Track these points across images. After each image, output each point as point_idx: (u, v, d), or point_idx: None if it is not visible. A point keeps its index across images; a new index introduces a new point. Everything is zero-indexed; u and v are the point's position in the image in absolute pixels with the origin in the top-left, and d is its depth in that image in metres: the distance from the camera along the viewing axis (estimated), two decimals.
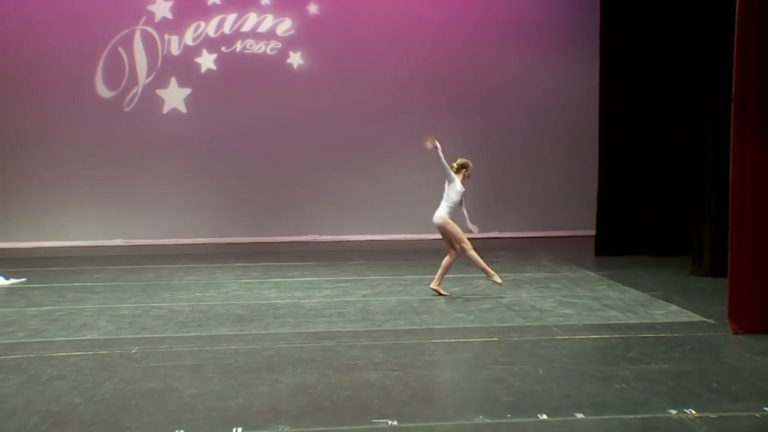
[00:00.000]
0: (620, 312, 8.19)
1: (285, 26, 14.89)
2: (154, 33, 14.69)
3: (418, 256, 12.43)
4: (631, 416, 4.99)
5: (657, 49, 12.27)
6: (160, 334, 7.48)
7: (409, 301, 8.92)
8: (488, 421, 4.95)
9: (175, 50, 14.74)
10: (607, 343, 7.06)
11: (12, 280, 10.49)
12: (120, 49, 14.68)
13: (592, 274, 10.64)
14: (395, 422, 4.93)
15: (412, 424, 4.92)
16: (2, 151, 14.34)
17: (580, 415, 5.01)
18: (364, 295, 9.30)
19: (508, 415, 5.04)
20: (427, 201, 15.74)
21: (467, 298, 9.06)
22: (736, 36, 7.04)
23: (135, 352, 6.78)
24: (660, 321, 7.75)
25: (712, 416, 4.96)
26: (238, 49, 14.85)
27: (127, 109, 14.74)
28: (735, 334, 7.03)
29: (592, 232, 13.00)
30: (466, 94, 15.16)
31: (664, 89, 12.30)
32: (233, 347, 6.94)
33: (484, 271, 9.00)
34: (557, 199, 15.11)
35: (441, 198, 9.00)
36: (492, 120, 15.15)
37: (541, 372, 6.03)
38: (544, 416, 4.99)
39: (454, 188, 8.92)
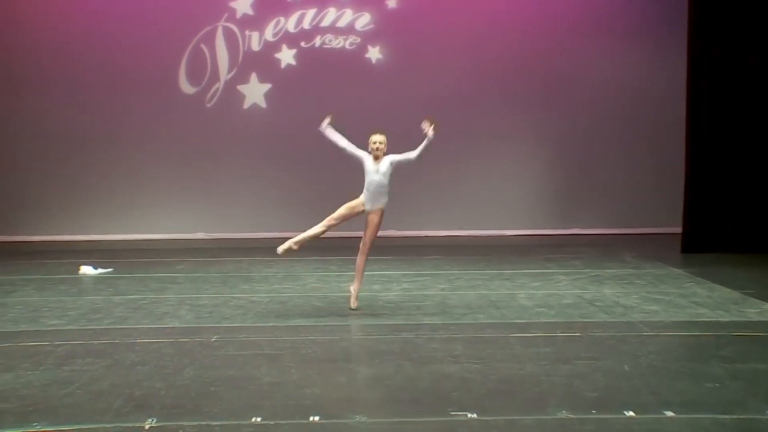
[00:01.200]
0: (710, 310, 7.87)
1: (364, 21, 14.85)
2: (236, 29, 14.82)
3: (498, 251, 12.25)
4: (726, 416, 4.74)
5: (748, 42, 11.80)
6: (239, 324, 7.50)
7: (489, 295, 8.76)
8: (572, 416, 4.77)
9: (255, 46, 14.84)
10: (696, 340, 6.79)
11: (100, 270, 10.69)
12: (202, 46, 14.84)
13: (678, 271, 10.28)
14: (474, 415, 4.79)
15: (492, 418, 4.78)
16: (91, 147, 14.64)
17: (669, 413, 4.79)
18: (443, 289, 9.18)
19: (593, 411, 4.85)
20: (506, 196, 15.86)
21: (548, 293, 8.84)
22: None
23: (214, 341, 6.80)
24: (754, 320, 7.42)
25: None
26: (317, 44, 14.87)
27: (209, 105, 14.90)
28: None
29: (677, 230, 12.58)
30: (547, 88, 14.86)
31: (757, 83, 11.83)
32: (311, 338, 6.90)
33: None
34: (640, 195, 14.69)
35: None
36: (573, 114, 14.81)
37: (626, 368, 5.82)
38: (631, 413, 4.79)
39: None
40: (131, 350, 6.51)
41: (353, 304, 7.94)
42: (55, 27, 14.57)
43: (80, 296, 8.97)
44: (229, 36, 14.84)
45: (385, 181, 7.75)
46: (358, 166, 14.70)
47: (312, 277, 10.17)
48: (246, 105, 14.91)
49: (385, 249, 12.74)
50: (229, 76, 14.90)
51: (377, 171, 7.77)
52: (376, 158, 7.82)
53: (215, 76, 14.89)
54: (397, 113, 14.72)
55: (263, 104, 14.91)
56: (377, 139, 7.84)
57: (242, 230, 14.76)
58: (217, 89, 14.89)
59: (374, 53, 14.91)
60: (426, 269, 10.71)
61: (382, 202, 7.82)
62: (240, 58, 14.86)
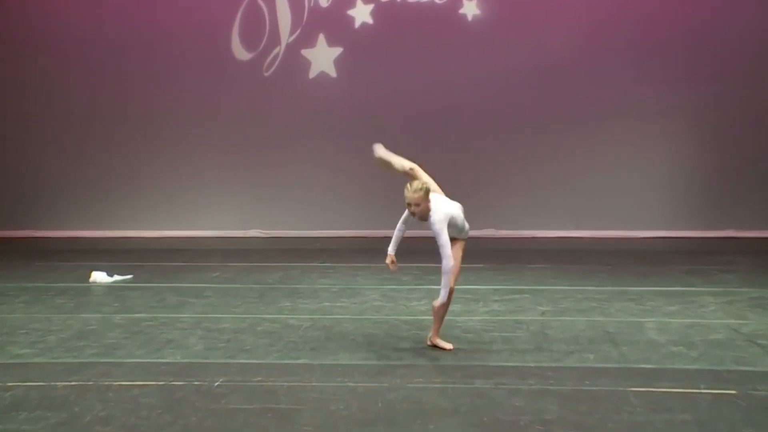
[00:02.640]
0: None
1: None
2: None
3: (622, 260, 10.79)
4: None
5: None
6: (258, 360, 6.32)
7: (605, 324, 7.32)
8: None
9: (323, 1, 13.69)
10: None
11: (116, 278, 9.76)
12: (260, 2, 13.79)
13: None
14: None
15: None
16: (126, 127, 13.81)
17: None
18: (543, 313, 7.80)
19: None
20: (636, 188, 14.19)
21: (689, 323, 7.33)
22: None
23: (218, 386, 5.64)
24: None
25: None
26: None
27: (266, 74, 13.84)
28: None
29: None
30: (693, 51, 13.26)
31: None
32: (348, 384, 5.65)
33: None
34: None
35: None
36: (728, 84, 13.17)
37: None
38: None
39: None
40: (100, 399, 5.39)
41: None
42: None
43: (74, 313, 7.98)
44: None
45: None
46: (454, 150, 13.53)
47: (375, 291, 8.93)
48: (312, 73, 13.83)
49: (477, 254, 11.40)
50: (292, 38, 13.83)
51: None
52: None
53: (275, 38, 13.86)
54: (498, 83, 13.44)
55: (332, 72, 13.80)
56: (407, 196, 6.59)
57: (305, 227, 13.69)
58: (277, 54, 13.85)
59: (470, 8, 13.62)
60: (525, 283, 9.35)
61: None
62: (305, 17, 13.79)
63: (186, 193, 13.86)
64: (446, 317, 6.66)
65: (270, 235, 13.72)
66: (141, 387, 5.64)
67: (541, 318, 7.59)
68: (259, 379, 5.81)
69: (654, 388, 5.53)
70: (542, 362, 6.15)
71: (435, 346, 6.53)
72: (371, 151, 13.32)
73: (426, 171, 7.00)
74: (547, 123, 13.53)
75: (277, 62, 13.83)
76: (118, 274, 9.78)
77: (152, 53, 13.72)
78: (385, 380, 5.76)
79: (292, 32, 13.80)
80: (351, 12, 13.68)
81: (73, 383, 5.75)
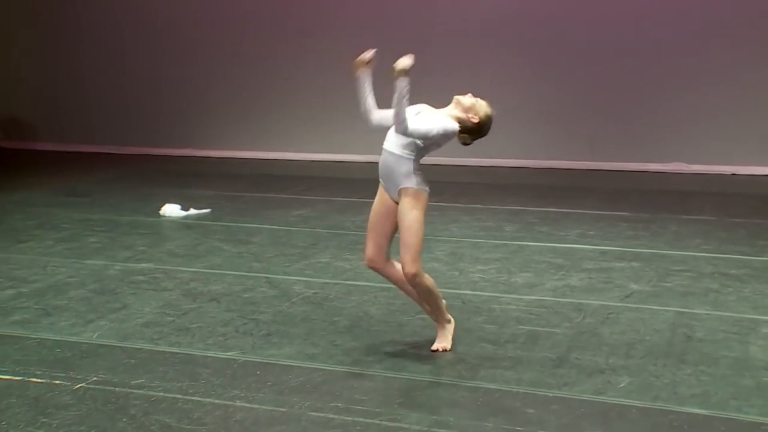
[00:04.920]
0: None
1: None
2: None
3: None
4: None
5: None
6: (198, 347, 5.06)
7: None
8: None
9: None
10: None
11: (192, 211, 8.87)
12: None
13: None
14: None
15: None
16: (272, 34, 12.82)
17: None
18: (628, 296, 5.92)
19: None
20: None
21: None
22: None
23: (77, 389, 4.46)
24: None
25: None
26: None
27: None
28: None
29: None
30: None
31: None
32: (311, 415, 4.26)
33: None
34: None
35: None
36: None
37: None
38: None
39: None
40: None
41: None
42: None
43: (67, 258, 7.06)
44: None
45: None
46: (628, 74, 11.38)
47: (448, 244, 7.34)
48: None
49: (645, 197, 9.50)
50: None
51: None
52: None
53: None
54: None
55: None
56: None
57: (468, 154, 12.03)
58: None
59: None
60: (655, 244, 7.39)
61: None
62: None
63: (329, 112, 12.67)
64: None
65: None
66: None
67: (680, 323, 5.57)
68: (160, 388, 4.56)
69: None
70: (661, 403, 4.34)
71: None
72: (552, 71, 11.53)
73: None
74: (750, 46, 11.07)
75: None
76: (194, 208, 8.87)
77: None
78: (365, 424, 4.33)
79: None
80: None
81: None
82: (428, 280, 4.77)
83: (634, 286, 6.14)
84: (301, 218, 8.57)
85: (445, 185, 10.19)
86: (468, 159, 11.58)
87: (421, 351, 4.88)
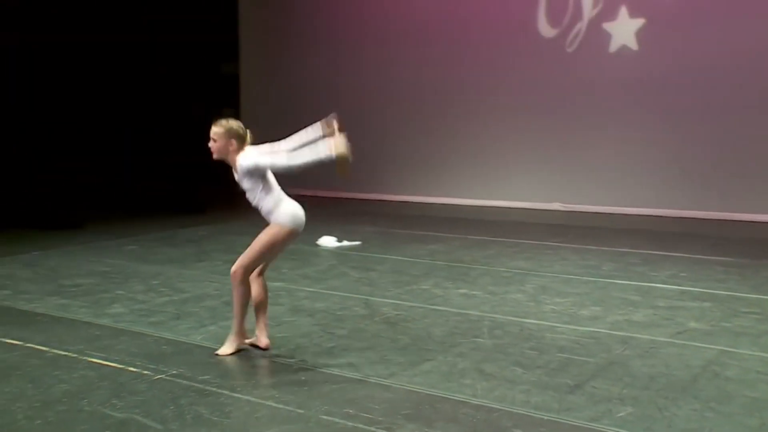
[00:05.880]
0: None
1: None
2: None
3: None
4: None
5: None
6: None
7: None
8: None
9: None
10: None
11: (345, 243, 8.82)
12: None
13: None
14: None
15: None
16: (434, 101, 12.71)
17: None
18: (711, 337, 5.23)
19: None
20: None
21: None
22: None
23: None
24: None
25: None
26: None
27: (569, 50, 11.73)
28: None
29: None
30: None
31: None
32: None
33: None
34: None
35: None
36: None
37: None
38: None
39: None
40: None
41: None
42: None
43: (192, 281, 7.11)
44: None
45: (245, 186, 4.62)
46: (758, 127, 10.27)
47: (585, 285, 6.82)
48: (612, 47, 11.42)
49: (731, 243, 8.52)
50: (594, 12, 11.54)
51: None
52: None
53: (578, 14, 11.68)
54: None
55: (634, 45, 11.26)
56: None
57: (605, 203, 11.41)
58: (580, 30, 11.63)
59: None
60: (740, 287, 6.53)
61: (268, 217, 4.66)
62: None
63: (490, 163, 12.36)
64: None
65: (570, 209, 11.68)
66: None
67: (668, 340, 5.05)
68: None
69: None
70: None
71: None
72: (675, 126, 10.69)
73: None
74: None
75: (579, 37, 11.64)
76: (347, 240, 8.80)
77: (463, 34, 12.43)
78: None
79: (594, 6, 11.50)
80: None
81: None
82: (244, 289, 4.58)
83: (692, 324, 5.42)
84: (429, 252, 8.29)
85: (571, 228, 9.66)
86: (604, 207, 11.05)
87: (453, 368, 4.50)
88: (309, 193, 13.43)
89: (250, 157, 4.52)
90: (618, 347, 4.88)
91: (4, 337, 5.19)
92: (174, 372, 4.45)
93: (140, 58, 15.99)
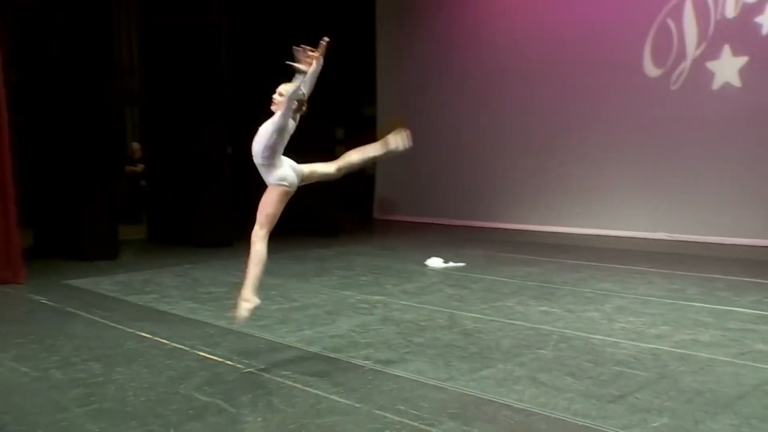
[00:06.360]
0: None
1: None
2: None
3: None
4: None
5: None
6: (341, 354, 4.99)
7: None
8: None
9: (730, 12, 10.59)
10: None
11: (451, 264, 8.80)
12: (669, 21, 11.22)
13: None
14: None
15: None
16: (545, 137, 12.48)
17: None
18: None
19: None
20: None
21: None
22: None
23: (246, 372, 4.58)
24: None
25: None
26: None
27: (673, 88, 11.23)
28: None
29: None
30: None
31: None
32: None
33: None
34: None
35: None
36: None
37: None
38: None
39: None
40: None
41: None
42: (510, 20, 12.81)
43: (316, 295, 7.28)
44: (699, 4, 10.91)
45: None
46: None
47: (657, 306, 6.53)
48: (715, 85, 10.82)
49: None
50: (698, 52, 10.99)
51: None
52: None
53: (682, 54, 11.17)
54: None
55: (737, 82, 10.62)
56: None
57: (708, 233, 10.79)
58: (684, 69, 11.12)
59: None
60: None
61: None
62: (710, 30, 10.84)
63: (598, 194, 11.98)
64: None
65: (675, 239, 11.11)
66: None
67: (726, 359, 4.71)
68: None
69: None
70: None
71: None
72: None
73: None
74: None
75: (683, 76, 11.12)
76: (453, 261, 8.78)
77: (571, 73, 12.16)
78: None
79: (698, 46, 10.97)
80: (759, 19, 10.37)
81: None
82: (261, 249, 4.38)
83: (758, 347, 5.02)
84: (524, 273, 8.12)
85: (667, 255, 9.21)
86: (707, 237, 10.47)
87: (508, 375, 4.39)
88: (428, 220, 13.61)
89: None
90: (674, 363, 4.60)
91: (140, 330, 5.55)
92: (261, 367, 4.61)
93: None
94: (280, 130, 4.44)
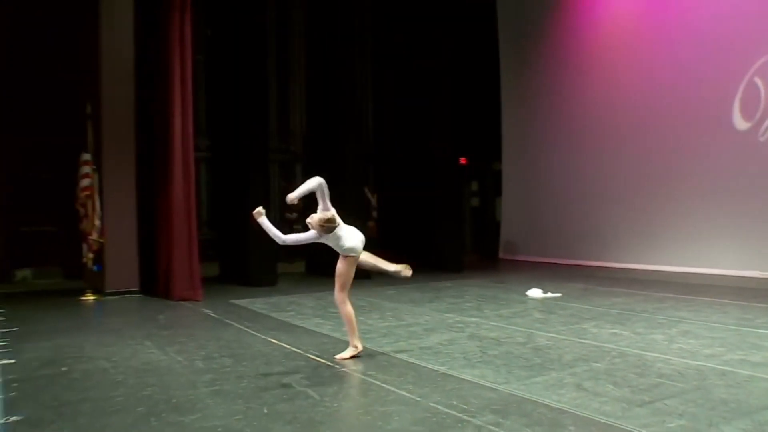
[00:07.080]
0: None
1: None
2: None
3: None
4: None
5: None
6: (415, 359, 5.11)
7: None
8: None
9: None
10: None
11: (549, 294, 8.65)
12: (756, 79, 10.51)
13: None
14: None
15: None
16: (646, 183, 11.95)
17: None
18: None
19: None
20: None
21: None
22: None
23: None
24: None
25: None
26: None
27: (761, 139, 10.44)
28: None
29: None
30: None
31: None
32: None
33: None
34: None
35: None
36: None
37: None
38: None
39: None
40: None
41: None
42: (622, 81, 12.47)
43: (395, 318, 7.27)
44: None
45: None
46: None
47: (729, 333, 6.14)
48: None
49: None
50: None
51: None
52: None
53: None
54: None
55: None
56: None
57: None
58: None
59: None
60: None
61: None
62: None
63: (696, 237, 11.26)
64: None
65: (766, 277, 10.22)
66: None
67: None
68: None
69: None
70: None
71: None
72: None
73: None
74: None
75: None
76: (551, 291, 8.62)
77: (671, 126, 11.63)
78: None
79: None
80: None
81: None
82: (348, 309, 4.80)
83: None
84: (610, 303, 7.82)
85: (753, 290, 8.50)
86: None
87: (558, 382, 4.34)
88: (546, 260, 13.32)
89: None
90: (713, 378, 4.34)
91: (271, 338, 5.98)
92: (353, 368, 4.84)
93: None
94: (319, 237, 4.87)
